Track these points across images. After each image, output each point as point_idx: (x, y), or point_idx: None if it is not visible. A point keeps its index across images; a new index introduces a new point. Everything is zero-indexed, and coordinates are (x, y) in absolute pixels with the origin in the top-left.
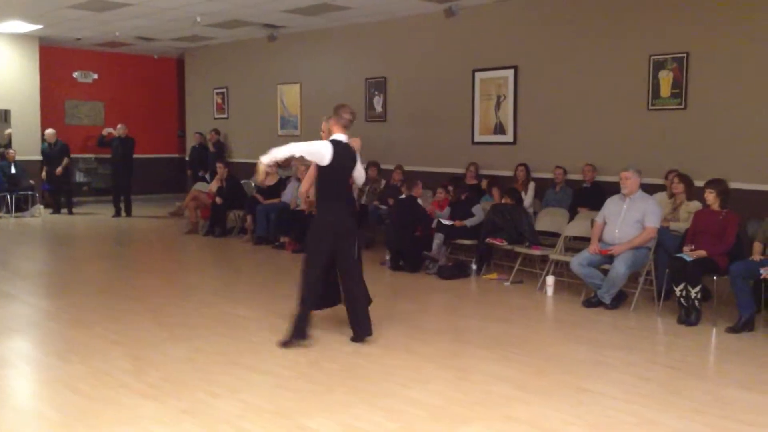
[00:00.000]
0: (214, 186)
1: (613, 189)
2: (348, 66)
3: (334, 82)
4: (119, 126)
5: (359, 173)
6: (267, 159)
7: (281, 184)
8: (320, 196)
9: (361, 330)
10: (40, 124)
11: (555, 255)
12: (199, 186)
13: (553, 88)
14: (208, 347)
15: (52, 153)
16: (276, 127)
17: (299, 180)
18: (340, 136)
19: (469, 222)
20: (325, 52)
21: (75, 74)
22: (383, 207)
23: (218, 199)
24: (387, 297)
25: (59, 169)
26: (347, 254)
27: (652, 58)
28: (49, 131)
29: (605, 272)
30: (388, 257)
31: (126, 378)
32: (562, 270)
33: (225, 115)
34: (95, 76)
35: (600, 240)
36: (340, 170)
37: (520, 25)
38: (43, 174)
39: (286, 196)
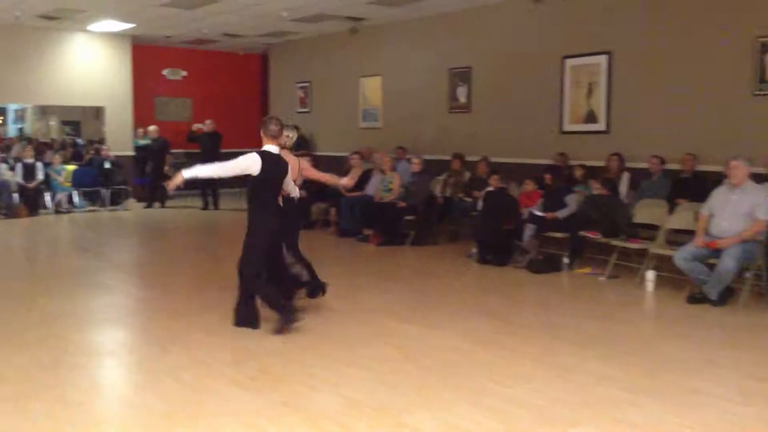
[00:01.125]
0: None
1: (715, 179)
2: (431, 56)
3: (416, 73)
4: (207, 121)
5: (290, 186)
6: (187, 175)
7: (365, 176)
8: (252, 204)
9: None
10: (132, 120)
11: (655, 248)
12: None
13: (650, 73)
14: (303, 340)
15: (154, 148)
16: (358, 119)
17: (383, 172)
18: (271, 147)
19: (560, 213)
20: (407, 43)
21: (164, 72)
22: (468, 199)
23: (302, 192)
24: (476, 291)
25: (167, 168)
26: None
27: (758, 40)
28: (152, 127)
29: (711, 267)
30: (474, 250)
31: (226, 369)
32: (661, 264)
33: (308, 109)
34: (184, 73)
35: (705, 233)
36: (270, 180)
37: (613, 8)
38: (148, 168)
39: (370, 188)
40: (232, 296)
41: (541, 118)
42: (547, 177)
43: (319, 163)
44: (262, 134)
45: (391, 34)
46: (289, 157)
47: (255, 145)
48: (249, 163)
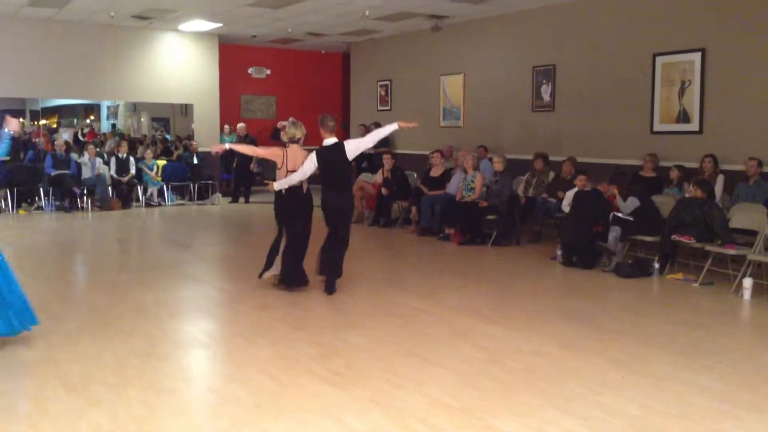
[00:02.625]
0: (379, 177)
1: None
2: (514, 54)
3: (499, 71)
4: (291, 119)
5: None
6: (278, 185)
7: (446, 175)
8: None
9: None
10: (219, 117)
11: (754, 255)
12: (365, 176)
13: (747, 71)
14: (386, 337)
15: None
16: (439, 118)
17: (465, 171)
18: (328, 140)
19: (624, 207)
20: (490, 41)
21: (250, 70)
22: (552, 200)
23: (384, 190)
24: (561, 293)
25: (252, 165)
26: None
27: None
28: (241, 125)
29: None
30: (559, 252)
31: (312, 364)
32: (759, 272)
33: (388, 107)
34: (268, 71)
35: None
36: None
37: (707, 2)
38: (234, 164)
39: (452, 187)
40: (314, 291)
41: (630, 117)
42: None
43: (399, 161)
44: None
45: (473, 31)
46: (298, 151)
47: None
48: (308, 164)
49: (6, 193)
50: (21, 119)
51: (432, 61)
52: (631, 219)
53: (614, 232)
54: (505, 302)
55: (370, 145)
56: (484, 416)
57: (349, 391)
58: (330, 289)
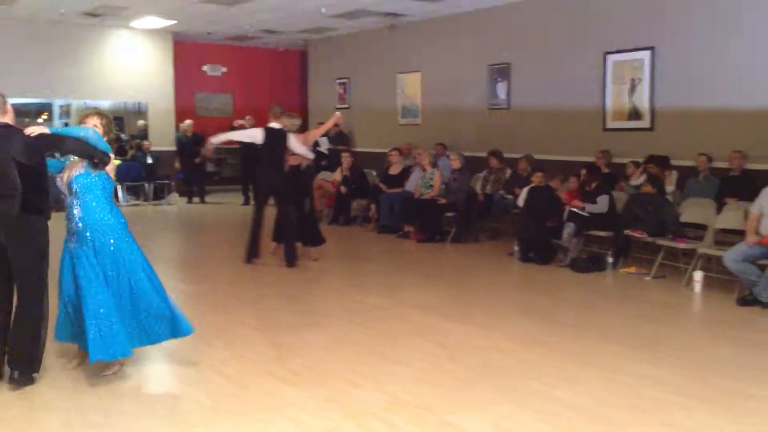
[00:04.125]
0: (338, 175)
1: (766, 178)
2: (470, 53)
3: (456, 69)
4: (247, 117)
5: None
6: (215, 140)
7: (405, 172)
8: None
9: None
10: (174, 116)
11: (704, 248)
12: (324, 175)
13: (696, 69)
14: (346, 336)
15: (189, 144)
16: (397, 116)
17: (424, 169)
18: (273, 124)
19: (589, 207)
20: (446, 40)
21: (205, 68)
22: (509, 197)
23: (343, 189)
24: (518, 289)
25: (197, 160)
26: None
27: None
28: (187, 122)
29: (762, 268)
30: (516, 248)
31: (270, 364)
32: (709, 265)
33: (347, 105)
34: (224, 69)
35: (756, 233)
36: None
37: (657, 1)
38: (177, 164)
39: (410, 184)
40: (273, 291)
41: (582, 115)
42: (583, 173)
43: (358, 159)
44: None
45: (429, 29)
46: (293, 136)
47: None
48: (255, 133)
49: None
50: None
51: (390, 60)
52: (587, 215)
53: (569, 228)
54: (464, 299)
55: (307, 149)
56: (441, 413)
57: (307, 391)
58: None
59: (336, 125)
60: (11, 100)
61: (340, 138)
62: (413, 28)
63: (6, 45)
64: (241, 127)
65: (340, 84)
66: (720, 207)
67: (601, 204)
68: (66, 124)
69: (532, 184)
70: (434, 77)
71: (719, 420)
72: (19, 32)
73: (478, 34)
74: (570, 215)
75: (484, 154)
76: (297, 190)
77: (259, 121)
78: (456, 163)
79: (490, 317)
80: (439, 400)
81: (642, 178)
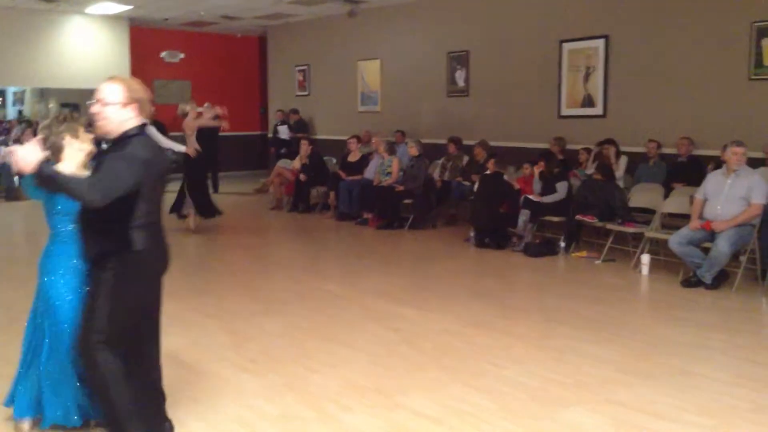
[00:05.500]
0: (297, 163)
1: (714, 164)
2: (429, 40)
3: (415, 56)
4: (206, 105)
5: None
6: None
7: (364, 160)
8: None
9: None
10: None
11: (651, 232)
12: (283, 162)
13: (647, 58)
14: (302, 322)
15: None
16: (357, 103)
17: (383, 157)
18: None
19: (547, 199)
20: (406, 27)
21: (162, 54)
22: (466, 183)
23: (302, 176)
24: (473, 274)
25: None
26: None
27: (754, 25)
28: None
29: (706, 251)
30: (472, 234)
31: (225, 351)
32: (657, 248)
33: (306, 92)
34: (182, 55)
35: (700, 217)
36: None
37: None
38: None
39: (369, 172)
40: (230, 279)
41: (538, 102)
42: (540, 164)
43: (317, 147)
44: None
45: (389, 17)
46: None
47: (254, 127)
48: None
49: None
50: None
51: (349, 47)
52: (545, 201)
53: (524, 216)
54: (419, 284)
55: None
56: (394, 395)
57: (263, 377)
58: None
59: (220, 119)
60: None
61: (299, 125)
62: (373, 15)
63: None
64: (200, 115)
65: (300, 71)
66: (668, 192)
67: (561, 191)
68: (20, 112)
69: (484, 172)
70: (394, 64)
71: (660, 395)
72: None
73: (436, 21)
74: (525, 202)
75: (442, 141)
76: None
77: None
78: (413, 151)
79: (444, 302)
80: (392, 382)
81: (593, 167)
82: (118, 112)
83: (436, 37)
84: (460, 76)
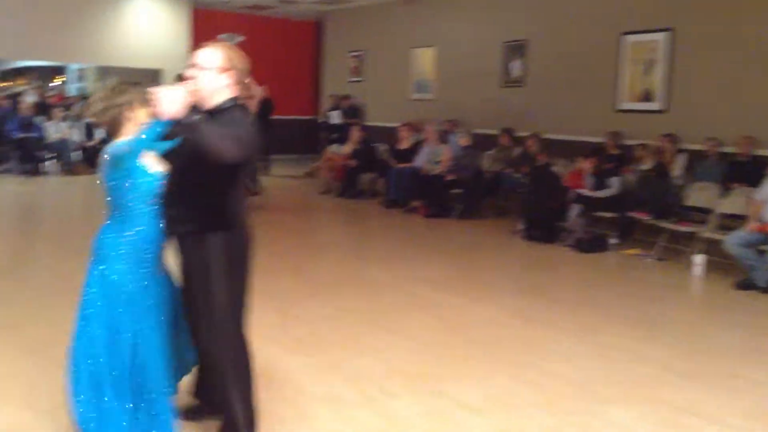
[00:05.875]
0: (348, 148)
1: None
2: (485, 29)
3: (470, 45)
4: (260, 88)
5: None
6: None
7: (414, 148)
8: None
9: None
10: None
11: (706, 232)
12: (333, 148)
13: (712, 51)
14: (349, 306)
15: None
16: (409, 91)
17: (433, 145)
18: None
19: (600, 193)
20: (462, 15)
21: (221, 36)
22: (517, 175)
23: (352, 162)
24: (520, 266)
25: None
26: None
27: None
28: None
29: (762, 254)
30: (521, 226)
31: (273, 332)
32: (711, 249)
33: (360, 78)
34: (240, 38)
35: (758, 219)
36: None
37: None
38: None
39: (419, 160)
40: (280, 262)
41: (595, 95)
42: (592, 159)
43: (368, 133)
44: None
45: (446, 4)
46: None
47: (306, 112)
48: None
49: None
50: None
51: (404, 34)
52: (599, 197)
53: (575, 210)
54: (466, 274)
55: None
56: (436, 382)
57: (310, 358)
58: None
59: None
60: (29, 63)
61: (351, 111)
62: (429, 2)
63: (24, 7)
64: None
65: (354, 57)
66: (725, 192)
67: (614, 186)
68: (82, 89)
69: (537, 164)
70: (448, 52)
71: (705, 396)
72: None
73: (494, 10)
74: (577, 197)
75: (495, 132)
76: None
77: (271, 92)
78: (465, 140)
79: (491, 293)
80: (435, 370)
81: (650, 163)
82: (214, 78)
83: (493, 26)
84: (515, 66)
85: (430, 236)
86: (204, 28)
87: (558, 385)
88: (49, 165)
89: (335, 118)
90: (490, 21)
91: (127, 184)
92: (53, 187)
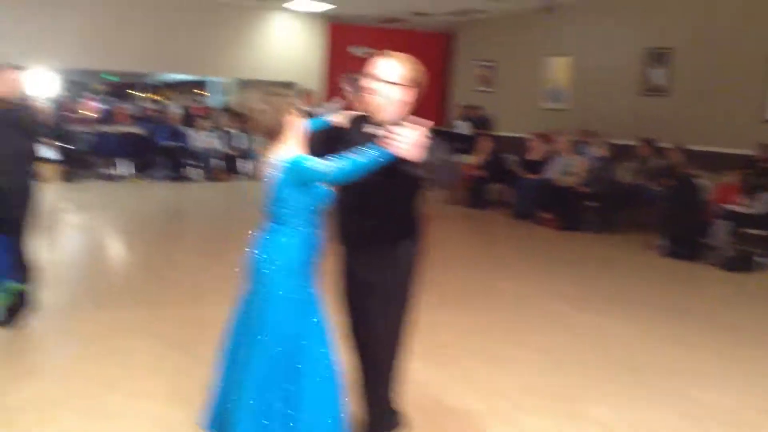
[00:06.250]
0: (477, 159)
1: None
2: (625, 37)
3: (609, 53)
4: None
5: None
6: None
7: (546, 159)
8: None
9: None
10: (323, 96)
11: None
12: (461, 158)
13: None
14: (478, 318)
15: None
16: (542, 100)
17: (566, 156)
18: None
19: (751, 209)
20: (601, 23)
21: (352, 49)
22: (657, 188)
23: (481, 172)
24: (660, 284)
25: None
26: None
27: None
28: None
29: None
30: (661, 242)
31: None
32: None
33: (490, 89)
34: (370, 51)
35: None
36: None
37: None
38: None
39: (551, 171)
40: None
41: (742, 105)
42: (741, 172)
43: (498, 143)
44: None
45: (584, 12)
46: None
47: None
48: None
49: (122, 162)
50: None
51: (539, 43)
52: (747, 213)
53: (723, 227)
54: (601, 290)
55: None
56: (572, 402)
57: (443, 368)
58: None
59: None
60: (175, 77)
61: (480, 122)
62: (567, 10)
63: (171, 25)
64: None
65: (486, 67)
66: None
67: (765, 203)
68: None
69: (680, 177)
70: (585, 61)
71: None
72: (184, 12)
73: (637, 17)
74: (726, 213)
75: (633, 142)
76: None
77: None
78: (600, 151)
79: (628, 310)
80: (571, 389)
81: None
82: (395, 93)
83: (633, 33)
84: (657, 74)
85: (561, 249)
86: (338, 42)
87: (705, 412)
88: (193, 171)
89: (463, 128)
90: (631, 28)
91: (301, 195)
92: (197, 192)
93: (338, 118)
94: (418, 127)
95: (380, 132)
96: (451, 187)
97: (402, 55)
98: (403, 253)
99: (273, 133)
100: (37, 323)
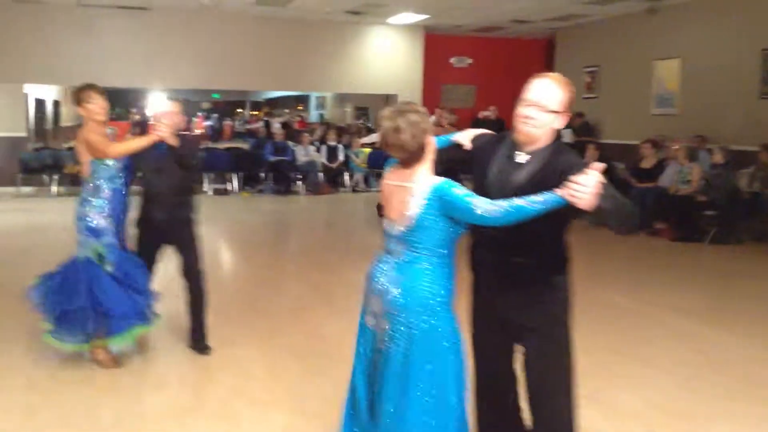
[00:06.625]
0: None
1: None
2: (739, 36)
3: (721, 54)
4: (491, 108)
5: None
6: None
7: (659, 166)
8: None
9: None
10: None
11: None
12: None
13: None
14: (592, 334)
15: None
16: (650, 105)
17: (680, 163)
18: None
19: None
20: (711, 22)
21: (452, 60)
22: None
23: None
24: None
25: None
26: None
27: None
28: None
29: None
30: None
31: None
32: None
33: (594, 94)
34: (470, 61)
35: None
36: None
37: None
38: None
39: (665, 179)
40: None
41: None
42: None
43: (604, 151)
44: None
45: (693, 12)
46: None
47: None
48: None
49: (232, 177)
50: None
51: (644, 46)
52: None
53: None
54: (722, 304)
55: None
56: (701, 422)
57: None
58: None
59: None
60: (274, 94)
61: (584, 129)
62: (673, 10)
63: (276, 43)
64: (486, 119)
65: (589, 73)
66: None
67: None
68: (321, 115)
69: None
70: (695, 63)
71: None
72: (288, 31)
73: (751, 14)
74: None
75: (754, 148)
76: None
77: (502, 112)
78: (717, 158)
79: (752, 326)
80: (698, 408)
81: None
82: (552, 121)
83: (749, 32)
84: None
85: (677, 261)
86: (435, 53)
87: None
88: (298, 185)
89: (565, 136)
90: (746, 27)
91: (442, 223)
92: (302, 205)
93: (460, 136)
94: (595, 172)
95: (533, 164)
96: (630, 233)
97: (557, 76)
98: (559, 290)
99: (411, 155)
100: (161, 333)
